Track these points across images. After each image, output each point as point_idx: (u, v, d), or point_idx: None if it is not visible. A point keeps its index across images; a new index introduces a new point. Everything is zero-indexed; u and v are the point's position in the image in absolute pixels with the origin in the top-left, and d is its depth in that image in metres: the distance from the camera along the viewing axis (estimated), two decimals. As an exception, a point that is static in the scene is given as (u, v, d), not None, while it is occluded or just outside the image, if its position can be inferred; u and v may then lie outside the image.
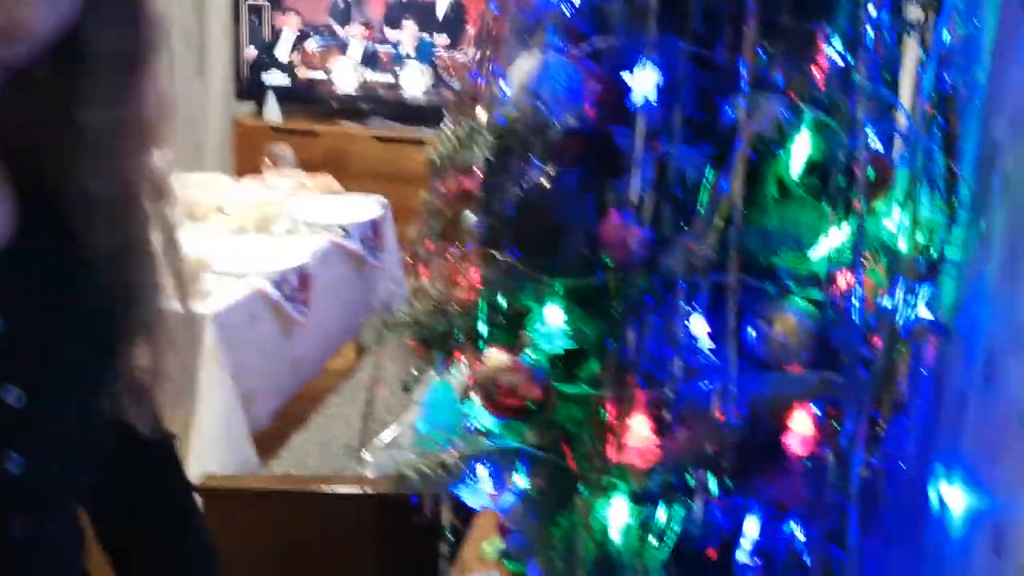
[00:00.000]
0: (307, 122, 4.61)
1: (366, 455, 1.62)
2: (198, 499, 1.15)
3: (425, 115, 4.24)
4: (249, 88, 4.71)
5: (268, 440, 2.90)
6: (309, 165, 3.82)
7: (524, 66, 1.14)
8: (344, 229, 3.22)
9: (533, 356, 1.18)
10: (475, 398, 1.21)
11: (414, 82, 4.57)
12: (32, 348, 0.81)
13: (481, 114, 1.13)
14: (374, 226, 3.38)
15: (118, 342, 0.90)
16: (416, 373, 1.33)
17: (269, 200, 3.16)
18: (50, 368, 0.83)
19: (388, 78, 4.60)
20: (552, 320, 1.17)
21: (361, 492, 1.94)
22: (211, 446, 2.51)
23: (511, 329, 1.22)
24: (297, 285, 2.90)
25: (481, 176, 1.16)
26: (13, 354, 0.79)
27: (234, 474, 2.37)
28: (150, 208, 0.97)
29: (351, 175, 3.98)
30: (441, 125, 1.23)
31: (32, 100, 0.77)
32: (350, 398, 3.14)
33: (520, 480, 1.24)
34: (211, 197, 3.28)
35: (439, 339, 1.27)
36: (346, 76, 4.61)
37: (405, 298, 1.34)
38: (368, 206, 3.42)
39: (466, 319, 1.23)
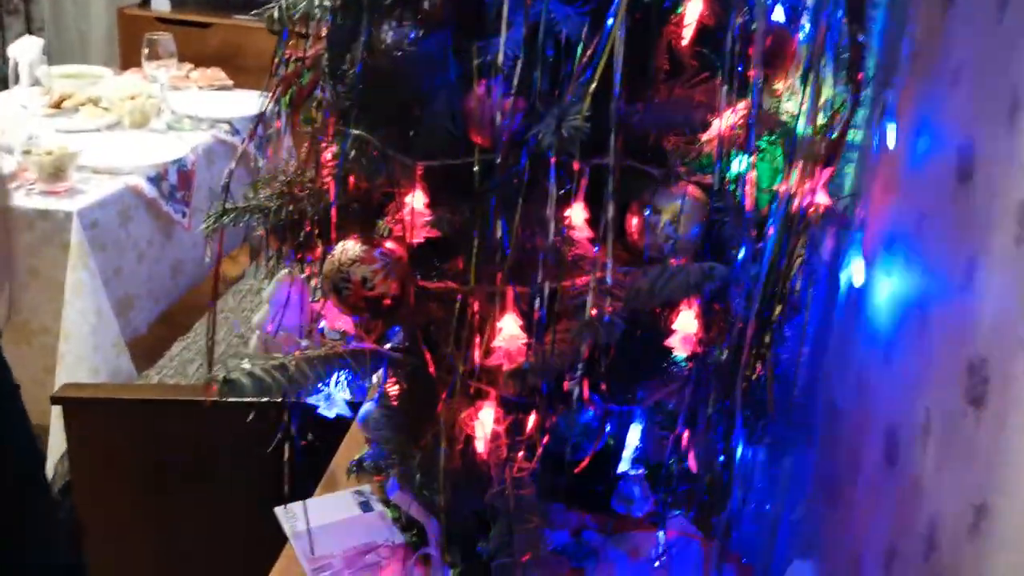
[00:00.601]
0: (198, 14, 4.31)
1: (242, 364, 1.49)
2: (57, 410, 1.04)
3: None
4: (136, -25, 4.39)
5: (149, 348, 2.73)
6: (201, 60, 3.56)
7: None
8: (231, 124, 3.01)
9: (390, 246, 1.04)
10: (325, 294, 1.07)
11: (315, -28, 4.28)
12: None
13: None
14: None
15: None
16: (268, 265, 1.19)
17: (147, 92, 2.92)
18: None
19: (286, -33, 4.31)
20: (412, 206, 1.04)
21: (233, 402, 1.81)
22: (80, 354, 2.33)
23: (366, 216, 1.08)
24: (177, 183, 2.70)
25: (327, 38, 1.00)
26: None
27: (99, 383, 2.20)
28: None
29: (246, 71, 3.72)
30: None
31: None
32: (238, 304, 2.97)
33: (377, 386, 1.12)
34: (85, 88, 3.03)
35: (288, 228, 1.12)
36: (241, -36, 4.30)
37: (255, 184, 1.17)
38: (258, 101, 3.20)
39: (317, 205, 1.09)
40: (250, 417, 1.29)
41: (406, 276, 1.05)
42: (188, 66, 3.34)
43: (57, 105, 2.92)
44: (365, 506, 1.34)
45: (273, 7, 0.99)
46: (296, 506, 1.33)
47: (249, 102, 3.16)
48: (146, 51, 2.94)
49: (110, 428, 1.81)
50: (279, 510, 1.34)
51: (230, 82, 3.34)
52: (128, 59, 4.12)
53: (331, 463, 1.44)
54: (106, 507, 1.84)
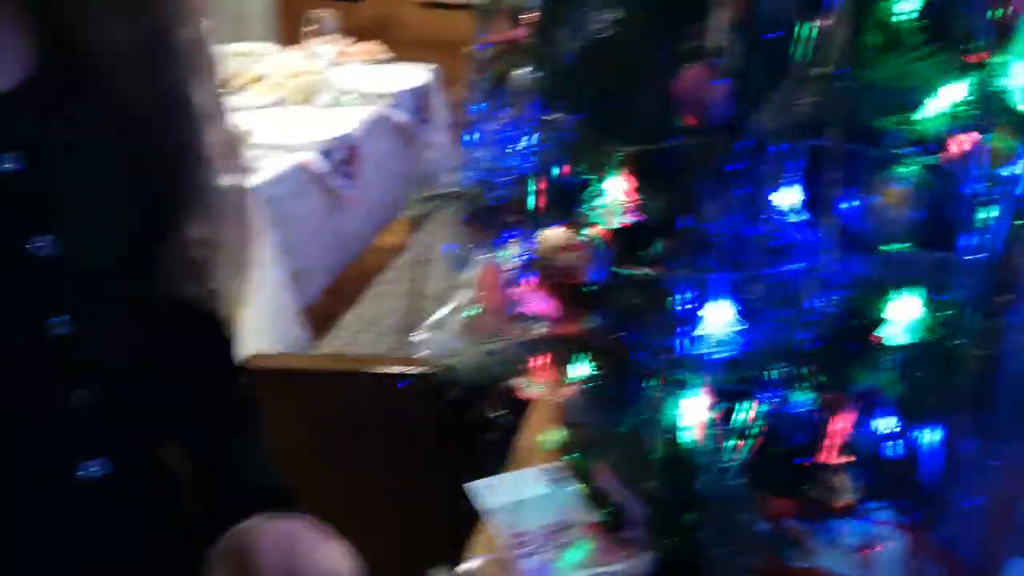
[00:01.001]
0: (352, -13, 4.40)
1: (416, 336, 1.53)
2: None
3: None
4: (292, -48, 4.50)
5: (318, 318, 2.83)
6: (353, 33, 3.63)
7: None
8: (392, 99, 3.06)
9: (593, 233, 1.04)
10: (528, 279, 1.07)
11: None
12: (63, 194, 0.77)
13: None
14: (423, 95, 3.21)
15: (168, 207, 0.86)
16: (466, 251, 1.20)
17: (310, 69, 3.00)
18: (90, 218, 0.79)
19: (438, -62, 4.35)
20: (616, 192, 1.03)
21: (414, 374, 1.85)
22: (261, 325, 2.44)
23: (569, 202, 1.08)
24: (344, 157, 2.77)
25: (535, 21, 1.00)
26: (44, 199, 0.76)
27: (283, 353, 2.30)
28: (190, 67, 0.87)
29: (398, 43, 3.78)
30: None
31: None
32: (401, 276, 3.04)
33: (580, 371, 1.12)
34: (250, 66, 3.13)
35: (488, 213, 1.13)
36: (393, -63, 4.36)
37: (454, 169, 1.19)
38: (416, 74, 3.24)
39: (518, 191, 1.09)
40: (445, 392, 1.32)
41: (609, 262, 1.05)
42: (348, 40, 3.41)
43: (227, 84, 3.03)
44: (556, 483, 1.35)
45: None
46: (488, 481, 1.35)
47: (410, 75, 3.22)
48: (309, 28, 3.02)
49: (296, 397, 1.89)
50: (470, 486, 1.36)
51: (390, 55, 3.39)
52: (289, 36, 4.24)
53: (519, 440, 1.46)
54: (296, 473, 1.92)
